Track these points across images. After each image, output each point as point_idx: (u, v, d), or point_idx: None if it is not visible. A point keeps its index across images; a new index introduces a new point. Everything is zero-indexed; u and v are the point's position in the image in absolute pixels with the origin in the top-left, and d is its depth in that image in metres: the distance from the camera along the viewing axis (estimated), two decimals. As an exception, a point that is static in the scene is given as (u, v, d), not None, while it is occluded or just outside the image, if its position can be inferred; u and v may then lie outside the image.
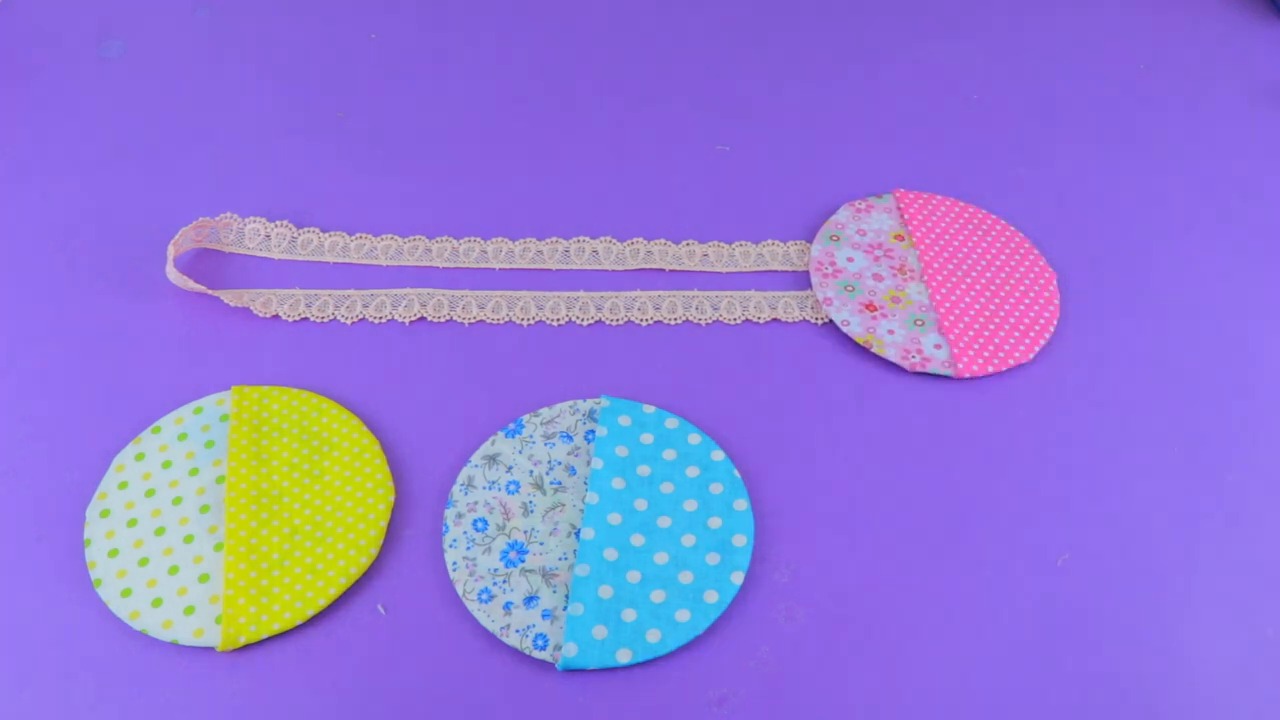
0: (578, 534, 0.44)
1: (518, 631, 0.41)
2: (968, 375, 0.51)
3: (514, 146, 0.62)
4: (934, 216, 0.58)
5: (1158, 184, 0.62)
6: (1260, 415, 0.51)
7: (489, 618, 0.41)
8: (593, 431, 0.47)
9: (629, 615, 0.41)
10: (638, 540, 0.44)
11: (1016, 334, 0.53)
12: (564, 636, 0.40)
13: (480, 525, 0.44)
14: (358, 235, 0.56)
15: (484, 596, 0.42)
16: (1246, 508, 0.47)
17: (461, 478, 0.45)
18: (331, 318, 0.52)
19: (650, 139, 0.63)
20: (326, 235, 0.56)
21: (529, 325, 0.53)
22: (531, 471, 0.46)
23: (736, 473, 0.46)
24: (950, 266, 0.56)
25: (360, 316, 0.52)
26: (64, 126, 0.62)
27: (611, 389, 0.50)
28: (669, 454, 0.47)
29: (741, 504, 0.45)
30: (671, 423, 0.48)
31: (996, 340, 0.52)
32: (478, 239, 0.56)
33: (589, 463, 0.46)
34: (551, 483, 0.46)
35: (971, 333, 0.52)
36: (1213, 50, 0.74)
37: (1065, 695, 0.40)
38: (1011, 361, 0.51)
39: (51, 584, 0.42)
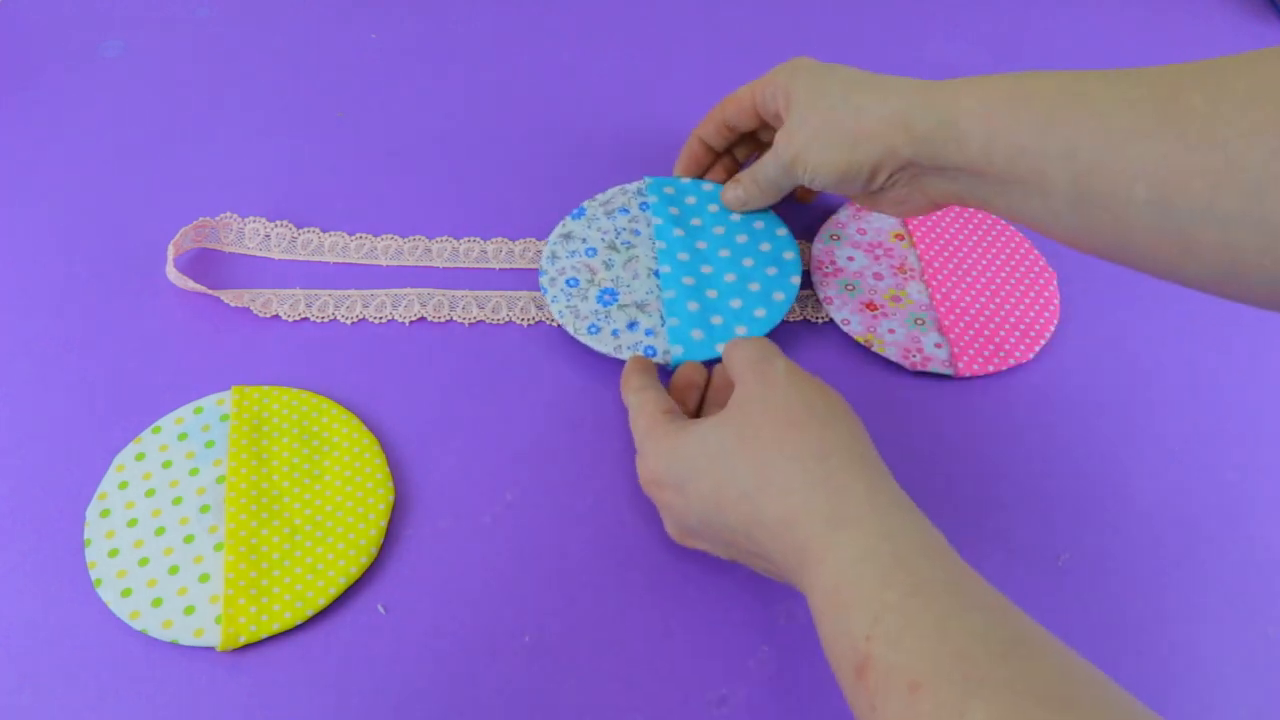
0: (657, 273, 0.52)
1: (629, 348, 0.49)
2: (968, 375, 0.51)
3: (514, 146, 0.62)
4: (934, 216, 0.58)
5: (1158, 184, 0.62)
6: (1260, 415, 0.51)
7: (601, 344, 0.49)
8: (646, 203, 0.56)
9: (716, 320, 0.50)
10: (706, 270, 0.52)
11: (1016, 334, 0.53)
12: (669, 342, 0.49)
13: (572, 283, 0.52)
14: (358, 235, 0.56)
15: (592, 330, 0.50)
16: (1246, 508, 0.47)
17: (546, 253, 0.53)
18: (331, 318, 0.52)
19: (650, 138, 0.63)
20: (326, 235, 0.56)
21: (529, 325, 0.53)
22: (603, 238, 0.54)
23: (772, 211, 0.55)
24: (950, 266, 0.56)
25: (360, 316, 0.52)
26: (64, 126, 0.62)
27: (612, 387, 0.50)
28: (713, 207, 0.55)
29: (782, 230, 0.54)
30: (708, 186, 0.56)
31: (996, 340, 0.52)
32: (477, 239, 0.56)
33: (649, 223, 0.55)
34: (622, 243, 0.54)
35: (972, 332, 0.52)
36: (1213, 50, 0.74)
37: (1065, 695, 0.40)
38: (1011, 361, 0.51)
39: (51, 584, 0.42)
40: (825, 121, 0.46)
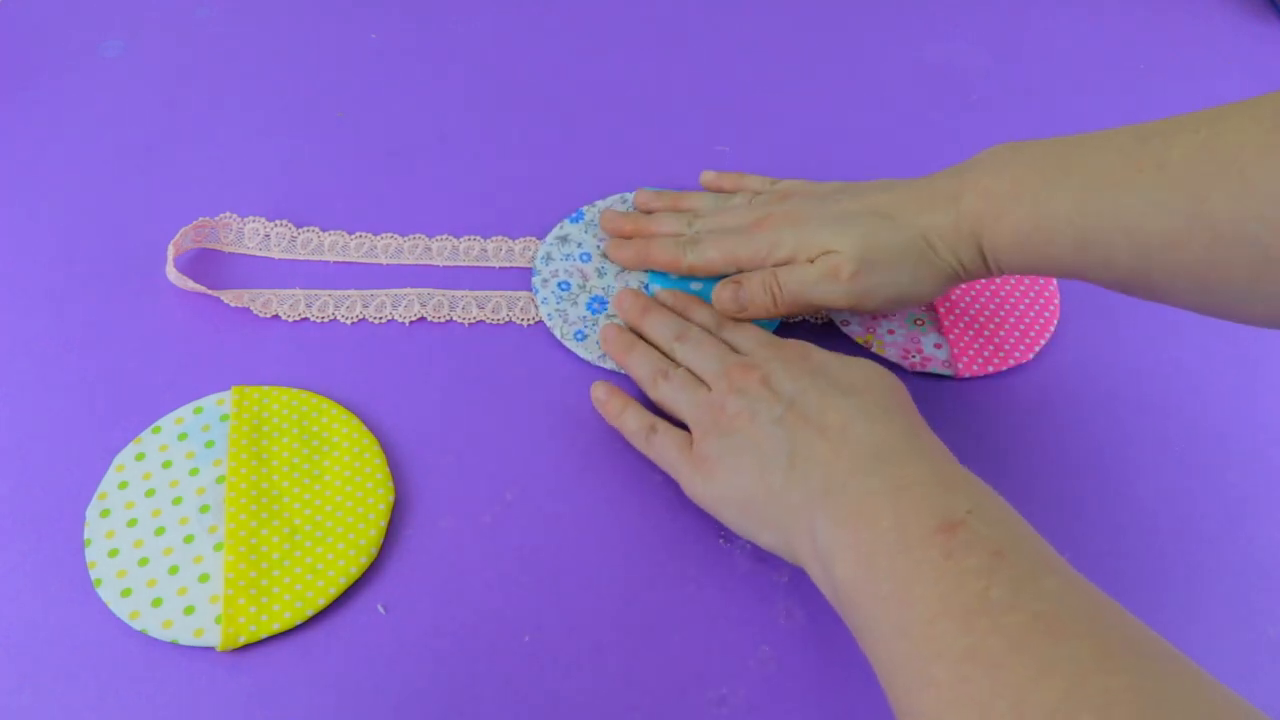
0: (647, 288, 0.52)
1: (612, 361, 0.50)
2: (968, 375, 0.51)
3: (514, 146, 0.62)
4: (934, 216, 0.58)
5: (1158, 184, 0.62)
6: (1260, 414, 0.51)
7: (587, 351, 0.50)
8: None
9: None
10: (695, 288, 0.52)
11: (1016, 334, 0.53)
12: None
13: (564, 286, 0.53)
14: (357, 234, 0.56)
15: (579, 336, 0.51)
16: (1246, 508, 0.47)
17: (540, 253, 0.54)
18: (331, 318, 0.52)
19: (650, 138, 0.63)
20: (326, 234, 0.56)
21: (529, 325, 0.53)
22: (598, 245, 0.55)
23: None
24: (950, 266, 0.56)
25: (360, 316, 0.52)
26: (64, 126, 0.62)
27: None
28: None
29: None
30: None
31: (996, 340, 0.52)
32: (478, 237, 0.56)
33: None
34: None
35: (972, 333, 0.52)
36: (1213, 50, 0.74)
37: (1065, 695, 0.40)
38: (1011, 361, 0.51)
39: (51, 584, 0.42)
40: (888, 280, 0.47)
